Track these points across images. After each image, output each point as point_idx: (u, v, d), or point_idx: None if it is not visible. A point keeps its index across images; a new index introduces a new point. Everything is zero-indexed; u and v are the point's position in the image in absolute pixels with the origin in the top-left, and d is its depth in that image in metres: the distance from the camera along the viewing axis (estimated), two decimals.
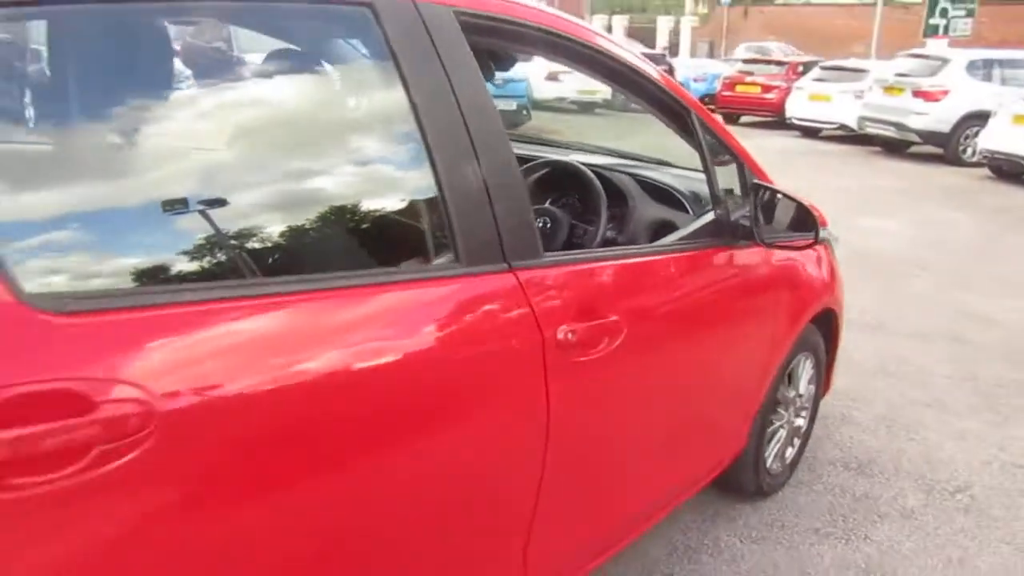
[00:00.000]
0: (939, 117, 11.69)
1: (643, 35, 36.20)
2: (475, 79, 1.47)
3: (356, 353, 1.22)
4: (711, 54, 34.34)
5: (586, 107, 13.45)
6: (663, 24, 42.00)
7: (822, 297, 2.73)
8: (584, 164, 2.45)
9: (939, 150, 11.94)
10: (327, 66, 1.53)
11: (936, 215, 8.12)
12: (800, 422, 2.93)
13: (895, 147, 12.75)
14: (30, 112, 1.16)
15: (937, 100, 11.77)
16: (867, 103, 12.90)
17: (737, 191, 2.26)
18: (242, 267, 1.23)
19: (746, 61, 18.62)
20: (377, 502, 1.28)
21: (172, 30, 1.35)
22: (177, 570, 1.00)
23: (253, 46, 1.57)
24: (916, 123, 11.85)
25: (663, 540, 2.55)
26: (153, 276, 1.12)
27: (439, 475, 1.37)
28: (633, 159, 2.85)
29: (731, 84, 16.93)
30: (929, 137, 11.92)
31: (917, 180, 10.45)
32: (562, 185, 2.44)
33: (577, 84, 13.16)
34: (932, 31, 18.65)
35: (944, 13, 18.59)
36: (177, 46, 1.40)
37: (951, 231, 7.42)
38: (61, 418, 0.89)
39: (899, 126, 12.13)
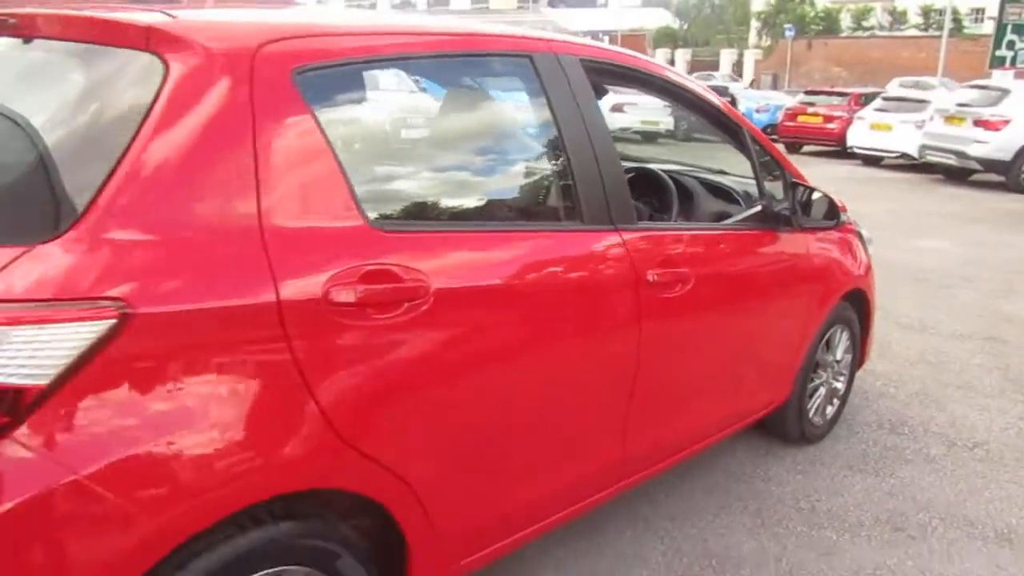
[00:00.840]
0: (999, 146, 12.00)
1: (706, 68, 36.83)
2: (593, 103, 2.22)
3: (532, 267, 1.98)
4: (774, 86, 34.74)
5: (649, 136, 14.17)
6: (726, 57, 42.56)
7: (852, 278, 3.37)
8: (660, 170, 3.17)
9: (1001, 178, 12.23)
10: (511, 94, 2.32)
11: (989, 237, 8.52)
12: (838, 385, 3.56)
13: (956, 175, 13.06)
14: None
15: (998, 129, 12.07)
16: (928, 132, 13.27)
17: (779, 192, 2.95)
18: (481, 214, 2.09)
19: (808, 92, 19.07)
20: (547, 368, 2.04)
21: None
22: (438, 368, 1.75)
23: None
24: (977, 151, 12.17)
25: (722, 468, 3.21)
26: (433, 215, 1.94)
27: (582, 360, 2.12)
28: (695, 167, 3.56)
29: (793, 115, 17.42)
30: (990, 165, 12.23)
31: (974, 205, 10.79)
32: (644, 187, 3.16)
33: (640, 115, 13.89)
34: (999, 62, 18.85)
35: (1011, 45, 18.78)
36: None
37: (1001, 251, 7.82)
38: (388, 283, 1.65)
39: (960, 154, 12.47)
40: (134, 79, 1.50)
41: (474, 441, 1.89)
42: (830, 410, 3.56)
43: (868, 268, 3.57)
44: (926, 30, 34.67)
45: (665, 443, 2.60)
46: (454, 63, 2.11)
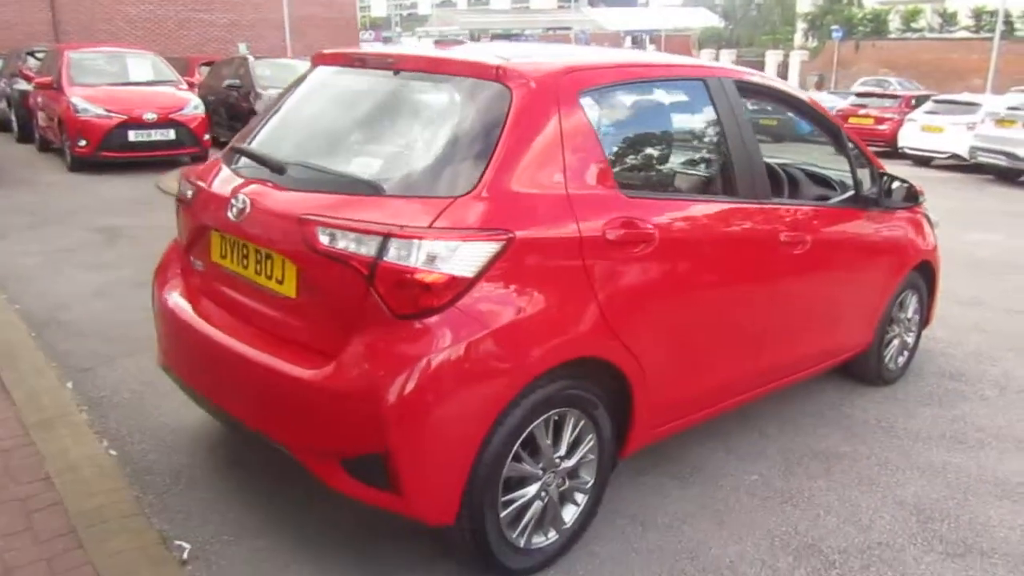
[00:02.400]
0: None
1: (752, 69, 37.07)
2: (744, 112, 3.09)
3: (712, 224, 2.88)
4: (820, 88, 35.07)
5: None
6: (771, 58, 42.74)
7: (922, 252, 4.19)
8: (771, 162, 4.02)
9: None
10: (693, 106, 3.16)
11: None
12: (908, 339, 4.38)
13: (1006, 175, 13.61)
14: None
15: None
16: (979, 134, 13.84)
17: (866, 181, 3.78)
18: (680, 188, 3.03)
19: (859, 95, 19.62)
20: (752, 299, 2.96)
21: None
22: (660, 286, 2.64)
23: None
24: None
25: (816, 400, 4.05)
26: (654, 187, 2.86)
27: (743, 291, 3.06)
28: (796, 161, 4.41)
29: (844, 116, 18.01)
30: None
31: None
32: None
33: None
34: None
35: None
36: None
37: None
38: (633, 229, 2.54)
39: (1010, 156, 13.04)
40: (491, 99, 2.40)
41: (679, 338, 2.78)
42: (901, 360, 4.37)
43: (935, 245, 4.37)
44: (977, 32, 34.63)
45: (785, 363, 3.46)
46: (665, 84, 3.04)
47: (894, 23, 40.98)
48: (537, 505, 2.49)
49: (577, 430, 2.55)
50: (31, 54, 13.99)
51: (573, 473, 2.59)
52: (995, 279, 6.81)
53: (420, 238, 2.15)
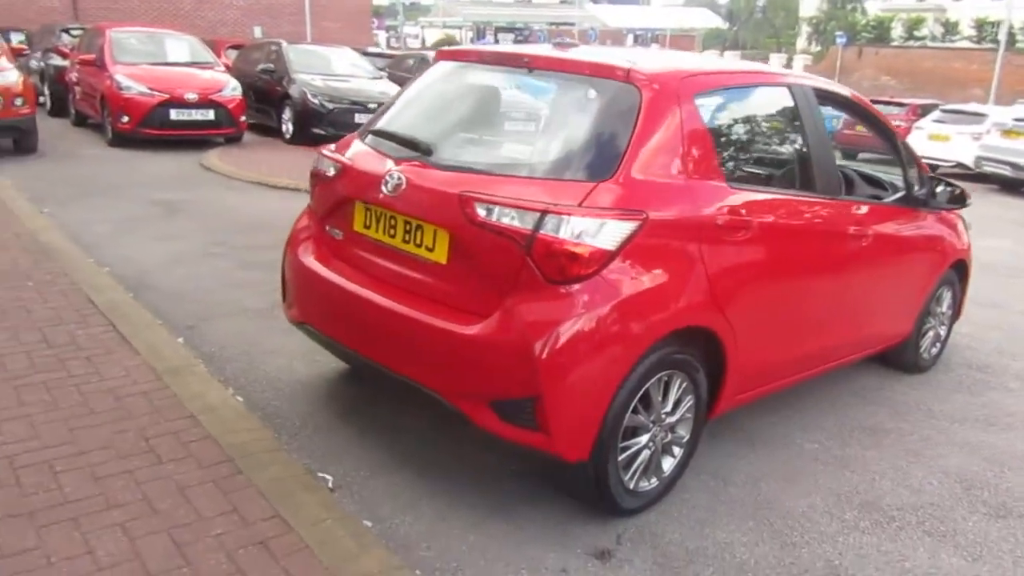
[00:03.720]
0: None
1: None
2: (821, 117, 3.45)
3: (795, 214, 3.24)
4: None
5: None
6: (775, 60, 43.16)
7: (959, 251, 4.58)
8: None
9: None
10: (787, 111, 3.50)
11: None
12: (942, 332, 4.77)
13: (1011, 185, 14.07)
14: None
15: None
16: (984, 144, 14.30)
17: (916, 183, 4.16)
18: (770, 182, 3.36)
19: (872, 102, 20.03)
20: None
21: None
22: (756, 268, 3.01)
23: None
24: None
25: (861, 384, 4.43)
26: (751, 181, 3.20)
27: (820, 275, 3.44)
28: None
29: (851, 123, 18.44)
30: None
31: None
32: None
33: None
34: None
35: None
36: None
37: None
38: (736, 216, 2.90)
39: (1015, 166, 13.50)
40: (623, 98, 2.75)
41: (767, 315, 3.14)
42: (934, 350, 4.76)
43: (968, 245, 4.76)
44: (979, 42, 35.15)
45: (845, 344, 3.84)
46: (760, 89, 3.41)
47: (897, 31, 41.43)
48: (645, 453, 2.86)
49: (680, 390, 2.91)
50: (66, 31, 14.20)
51: (673, 428, 2.96)
52: (1009, 283, 7.22)
53: (572, 214, 2.51)
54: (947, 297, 4.71)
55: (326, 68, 12.77)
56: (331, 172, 3.24)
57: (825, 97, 3.63)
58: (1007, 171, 13.74)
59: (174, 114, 10.62)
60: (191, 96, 10.70)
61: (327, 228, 3.31)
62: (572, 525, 2.86)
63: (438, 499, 2.95)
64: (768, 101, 3.48)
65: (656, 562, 2.70)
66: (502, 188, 2.65)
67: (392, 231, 2.96)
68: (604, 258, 2.53)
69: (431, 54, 14.01)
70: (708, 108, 2.99)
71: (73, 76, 12.12)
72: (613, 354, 2.58)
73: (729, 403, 3.19)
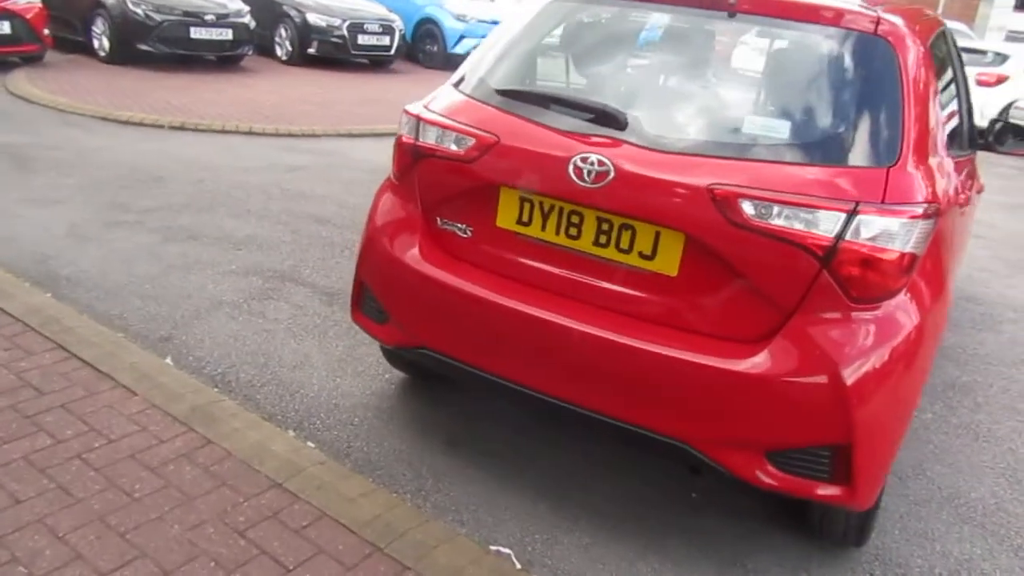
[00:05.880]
0: None
1: None
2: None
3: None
4: None
5: None
6: None
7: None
8: None
9: None
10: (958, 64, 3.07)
11: None
12: None
13: None
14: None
15: None
16: None
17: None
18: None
19: None
20: None
21: None
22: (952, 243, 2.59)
23: None
24: None
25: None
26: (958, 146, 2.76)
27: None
28: None
29: None
30: None
31: None
32: None
33: None
34: None
35: None
36: None
37: None
38: (965, 191, 2.49)
39: None
40: (877, 56, 2.13)
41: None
42: None
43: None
44: None
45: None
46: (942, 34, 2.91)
47: None
48: None
49: None
50: None
51: None
52: None
53: (882, 214, 1.96)
54: None
55: None
56: (452, 147, 2.41)
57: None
58: None
59: None
60: None
61: (439, 221, 2.50)
62: (811, 564, 2.44)
63: (651, 558, 2.39)
64: (949, 48, 3.04)
65: None
66: (766, 178, 2.03)
67: (575, 231, 2.25)
68: (910, 267, 2.03)
69: None
70: (934, 63, 2.50)
71: None
72: (916, 384, 2.13)
73: None
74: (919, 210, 2.01)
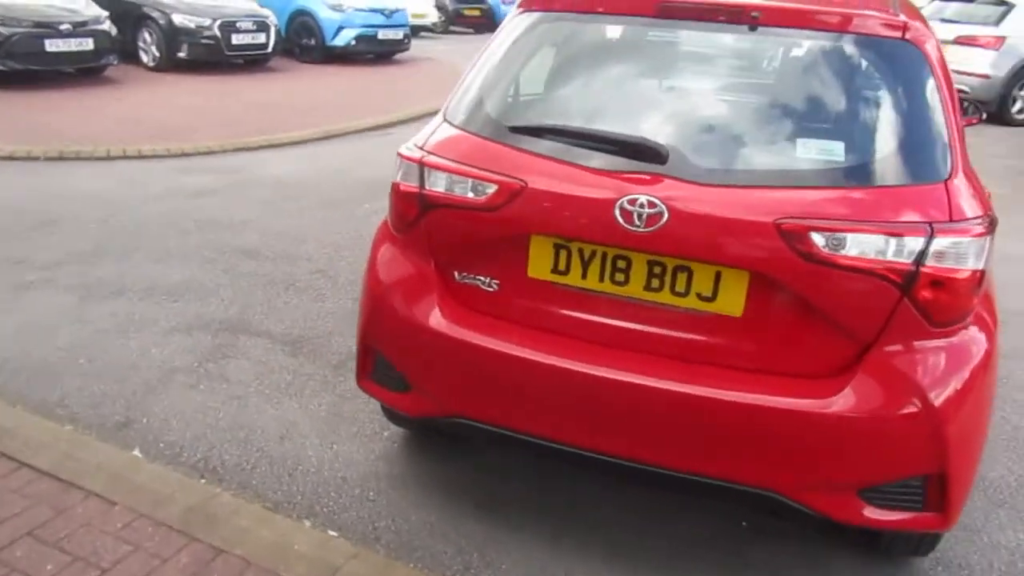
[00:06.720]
0: None
1: None
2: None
3: None
4: None
5: None
6: None
7: None
8: None
9: None
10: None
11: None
12: None
13: None
14: None
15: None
16: None
17: None
18: None
19: None
20: None
21: None
22: None
23: None
24: None
25: None
26: None
27: None
28: None
29: None
30: None
31: None
32: None
33: None
34: None
35: None
36: None
37: None
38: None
39: None
40: (909, 63, 2.06)
41: None
42: None
43: None
44: None
45: None
46: None
47: None
48: None
49: None
50: None
51: None
52: None
53: (953, 235, 1.89)
54: None
55: None
56: (470, 195, 2.16)
57: None
58: None
59: None
60: None
61: (457, 275, 2.26)
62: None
63: None
64: None
65: None
66: (832, 206, 1.92)
67: (622, 276, 2.06)
68: (980, 284, 1.97)
69: None
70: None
71: None
72: (991, 400, 2.08)
73: None
74: (982, 225, 1.95)
